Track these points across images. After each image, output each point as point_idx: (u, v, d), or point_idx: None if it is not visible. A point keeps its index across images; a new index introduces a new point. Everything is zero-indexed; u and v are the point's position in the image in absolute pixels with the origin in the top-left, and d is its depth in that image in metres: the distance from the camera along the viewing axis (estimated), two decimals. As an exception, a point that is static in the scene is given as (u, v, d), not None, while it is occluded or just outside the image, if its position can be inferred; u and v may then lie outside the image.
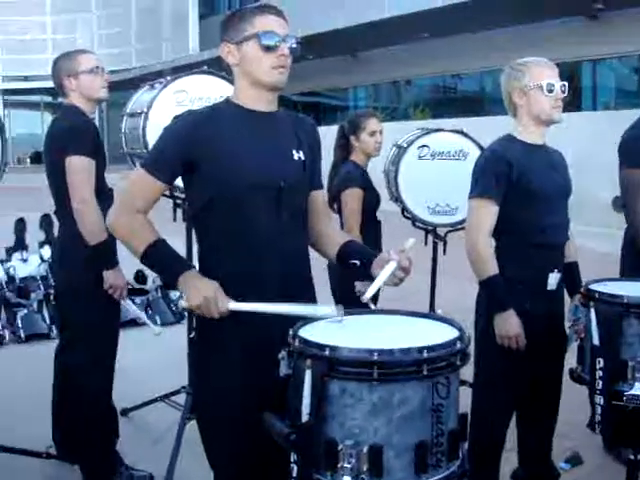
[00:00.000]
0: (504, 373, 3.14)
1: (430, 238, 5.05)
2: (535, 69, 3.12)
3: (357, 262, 2.43)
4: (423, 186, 4.86)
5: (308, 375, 1.89)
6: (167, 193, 3.75)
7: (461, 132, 5.00)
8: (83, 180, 3.58)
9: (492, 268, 3.07)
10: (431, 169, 4.89)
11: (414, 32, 21.42)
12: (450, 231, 5.05)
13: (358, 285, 4.24)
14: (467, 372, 3.10)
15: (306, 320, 2.17)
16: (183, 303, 2.20)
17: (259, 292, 2.26)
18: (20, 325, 6.73)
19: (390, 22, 20.37)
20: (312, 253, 2.58)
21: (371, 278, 2.33)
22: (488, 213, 3.10)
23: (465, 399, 2.44)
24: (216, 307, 2.16)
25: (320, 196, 2.63)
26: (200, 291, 2.17)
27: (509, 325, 3.04)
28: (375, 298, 4.39)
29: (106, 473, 3.83)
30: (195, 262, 2.46)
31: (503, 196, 3.08)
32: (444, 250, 5.08)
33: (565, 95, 3.13)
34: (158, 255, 2.30)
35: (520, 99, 3.13)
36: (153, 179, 2.32)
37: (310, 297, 2.51)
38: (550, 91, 3.07)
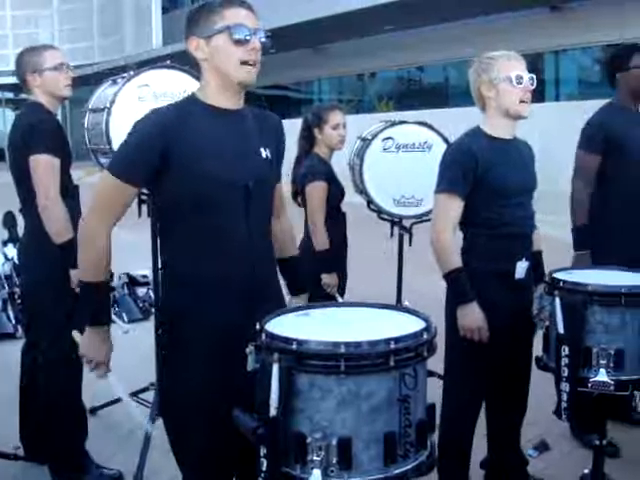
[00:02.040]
0: (473, 363, 3.16)
1: (396, 230, 5.06)
2: (503, 62, 3.11)
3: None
4: (388, 178, 4.86)
5: (275, 369, 1.89)
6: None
7: (425, 124, 5.01)
8: (48, 179, 3.54)
9: (455, 261, 3.09)
10: (396, 161, 4.89)
11: (378, 24, 21.47)
12: (416, 222, 5.06)
13: (324, 277, 4.25)
14: (438, 364, 3.13)
15: (273, 313, 2.17)
16: (76, 337, 2.45)
17: (227, 291, 2.25)
18: (-16, 325, 6.64)
19: (354, 15, 20.38)
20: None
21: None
22: (453, 207, 3.11)
23: (435, 390, 2.45)
24: (94, 365, 2.45)
25: (278, 189, 2.63)
26: (90, 350, 2.42)
27: (471, 318, 3.05)
28: (342, 290, 4.41)
29: (75, 472, 3.81)
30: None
31: (469, 190, 3.09)
32: (410, 241, 5.09)
33: (534, 87, 3.14)
34: (94, 295, 2.40)
35: (489, 92, 3.13)
36: (122, 184, 2.27)
37: (277, 293, 2.53)
38: (519, 83, 3.07)
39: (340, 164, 4.69)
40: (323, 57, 26.38)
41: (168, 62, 4.12)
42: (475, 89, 3.21)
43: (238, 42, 2.28)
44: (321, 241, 4.28)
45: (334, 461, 1.87)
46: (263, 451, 1.92)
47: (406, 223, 5.10)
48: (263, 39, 2.33)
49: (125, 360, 5.55)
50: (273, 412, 1.88)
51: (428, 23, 20.81)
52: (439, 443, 3.24)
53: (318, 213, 4.30)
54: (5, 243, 9.34)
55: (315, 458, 1.86)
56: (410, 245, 5.10)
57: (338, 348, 1.86)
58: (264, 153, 2.42)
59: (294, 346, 1.90)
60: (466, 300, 3.06)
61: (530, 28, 18.54)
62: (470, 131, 3.24)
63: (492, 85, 3.11)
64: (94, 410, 4.60)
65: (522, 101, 3.10)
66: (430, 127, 5.00)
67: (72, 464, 3.83)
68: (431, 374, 4.38)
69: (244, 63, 2.29)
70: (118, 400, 4.56)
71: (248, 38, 2.28)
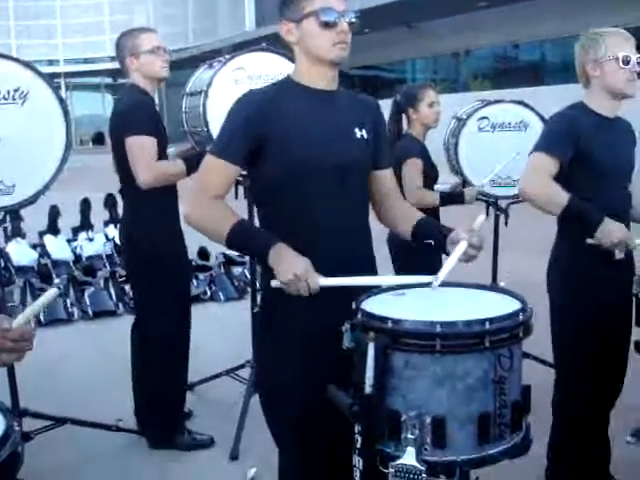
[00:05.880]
0: (586, 345, 3.07)
1: (492, 210, 5.00)
2: (611, 40, 3.01)
3: (432, 242, 2.39)
4: (484, 158, 4.81)
5: (371, 347, 1.91)
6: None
7: (522, 103, 4.93)
8: (144, 156, 3.65)
9: (564, 194, 2.92)
10: (491, 141, 4.84)
11: (472, 1, 21.13)
12: (512, 203, 4.99)
13: None
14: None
15: (369, 293, 2.19)
16: (273, 282, 2.14)
17: (321, 271, 2.20)
18: (88, 302, 6.92)
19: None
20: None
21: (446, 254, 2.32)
22: (547, 165, 2.97)
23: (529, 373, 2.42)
24: (306, 284, 2.10)
25: (389, 175, 2.61)
26: (291, 267, 2.11)
27: (613, 231, 2.87)
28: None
29: (168, 435, 3.99)
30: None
31: (568, 160, 2.99)
32: (506, 222, 5.02)
33: None
34: (244, 234, 2.27)
35: (594, 71, 3.03)
36: (225, 163, 2.31)
37: (373, 273, 2.50)
38: (626, 63, 2.97)
39: (432, 145, 4.65)
40: (417, 36, 26.13)
41: (264, 45, 4.17)
42: (579, 66, 3.11)
43: (326, 25, 2.29)
44: (431, 201, 4.26)
45: (428, 439, 1.88)
46: (358, 428, 1.95)
47: (502, 204, 5.04)
48: (352, 20, 2.33)
49: (221, 338, 5.75)
50: (368, 390, 1.91)
51: (524, -1, 20.35)
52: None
53: (415, 189, 4.25)
54: (106, 224, 9.67)
55: (409, 436, 1.87)
56: (506, 226, 5.04)
57: (434, 328, 1.87)
58: (359, 133, 2.43)
59: (390, 325, 1.91)
60: (600, 219, 2.88)
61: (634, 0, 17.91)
62: (573, 105, 3.13)
63: (598, 64, 3.01)
64: (192, 386, 4.72)
65: (629, 81, 3.00)
66: (526, 106, 4.92)
67: (166, 432, 4.00)
68: (526, 356, 4.36)
69: (334, 45, 2.31)
70: (215, 376, 4.70)
71: (336, 21, 2.29)
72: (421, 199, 4.15)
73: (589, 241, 2.88)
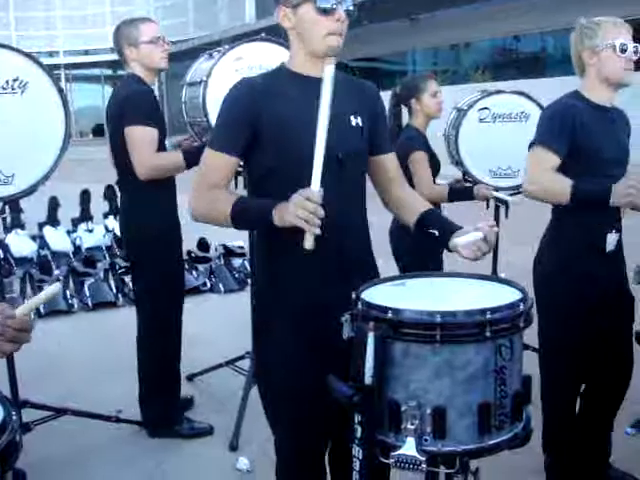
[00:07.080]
0: (568, 337, 3.09)
1: (492, 202, 4.98)
2: (608, 28, 3.00)
3: (436, 232, 2.34)
4: (484, 149, 4.79)
5: (371, 337, 1.90)
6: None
7: (522, 93, 4.90)
8: (143, 148, 3.64)
9: (567, 181, 2.92)
10: (492, 132, 4.81)
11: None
12: (512, 194, 4.98)
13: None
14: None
15: (370, 282, 2.18)
16: (306, 244, 2.06)
17: (318, 263, 2.22)
18: (87, 294, 6.90)
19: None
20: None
21: (448, 249, 2.29)
22: (548, 160, 2.97)
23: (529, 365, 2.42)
24: (308, 201, 2.02)
25: (391, 159, 2.56)
26: (291, 206, 2.05)
27: (624, 189, 2.82)
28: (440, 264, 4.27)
29: (166, 424, 4.01)
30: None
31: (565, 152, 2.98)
32: (506, 214, 5.01)
33: (638, 56, 3.02)
34: (245, 207, 2.24)
35: (590, 59, 3.02)
36: (223, 155, 2.29)
37: (370, 266, 2.49)
38: (623, 51, 2.96)
39: (433, 137, 4.62)
40: (417, 28, 26.04)
41: (262, 35, 4.15)
42: (575, 54, 3.10)
43: (323, 11, 2.25)
44: (441, 197, 4.27)
45: (428, 430, 1.88)
46: (358, 418, 1.94)
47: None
48: (350, 8, 2.28)
49: (221, 329, 5.74)
50: (368, 380, 1.90)
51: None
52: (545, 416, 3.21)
53: (426, 182, 4.25)
54: (106, 215, 9.66)
55: (409, 426, 1.87)
56: (507, 217, 5.02)
57: (434, 317, 1.85)
58: (354, 121, 2.38)
59: (390, 315, 1.90)
60: (607, 189, 2.85)
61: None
62: (569, 94, 3.12)
63: (594, 52, 3.00)
64: (191, 377, 4.73)
65: (625, 69, 2.99)
66: (527, 96, 4.90)
67: (165, 419, 4.02)
68: (526, 347, 4.35)
69: (329, 34, 2.26)
70: (215, 367, 4.70)
71: (333, 7, 2.25)
72: (435, 195, 4.14)
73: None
